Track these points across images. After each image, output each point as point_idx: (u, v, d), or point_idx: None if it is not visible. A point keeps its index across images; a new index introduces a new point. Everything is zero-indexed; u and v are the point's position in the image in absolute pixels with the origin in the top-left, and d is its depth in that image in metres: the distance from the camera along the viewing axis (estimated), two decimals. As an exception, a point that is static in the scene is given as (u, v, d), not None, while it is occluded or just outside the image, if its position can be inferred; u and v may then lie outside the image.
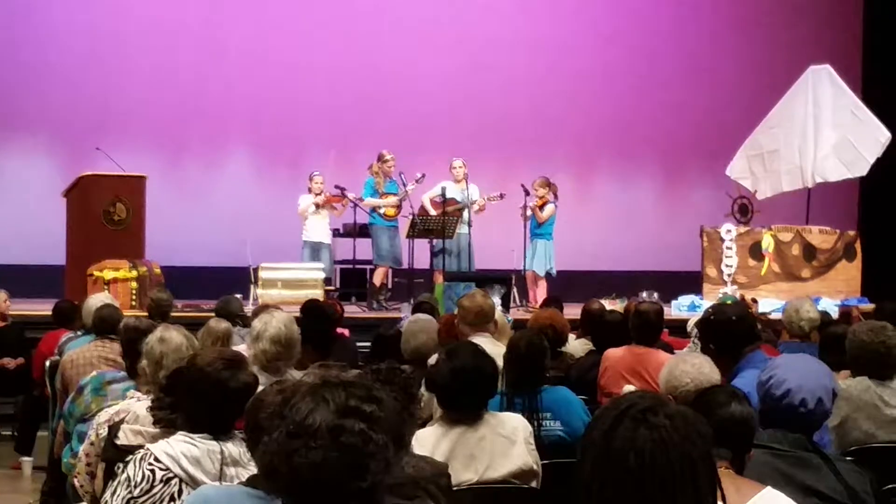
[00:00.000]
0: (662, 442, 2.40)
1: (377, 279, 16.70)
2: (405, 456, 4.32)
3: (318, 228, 16.66)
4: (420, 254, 16.53)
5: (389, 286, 16.93)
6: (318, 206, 16.52)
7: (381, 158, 16.53)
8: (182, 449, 4.35)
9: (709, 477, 2.45)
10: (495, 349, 6.48)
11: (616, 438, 2.42)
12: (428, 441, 5.21)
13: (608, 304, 11.72)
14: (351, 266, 17.47)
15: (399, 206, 16.48)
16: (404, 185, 16.38)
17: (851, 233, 18.08)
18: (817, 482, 4.23)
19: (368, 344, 9.87)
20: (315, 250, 16.54)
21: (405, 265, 16.62)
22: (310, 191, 16.65)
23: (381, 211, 16.42)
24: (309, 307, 8.29)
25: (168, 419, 4.95)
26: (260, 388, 4.45)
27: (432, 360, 5.64)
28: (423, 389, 5.54)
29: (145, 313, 10.26)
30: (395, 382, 4.40)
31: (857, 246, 17.82)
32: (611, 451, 2.41)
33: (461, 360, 5.49)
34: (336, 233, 17.21)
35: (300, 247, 16.69)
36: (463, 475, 5.25)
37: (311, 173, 16.76)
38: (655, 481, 2.38)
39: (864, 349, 6.40)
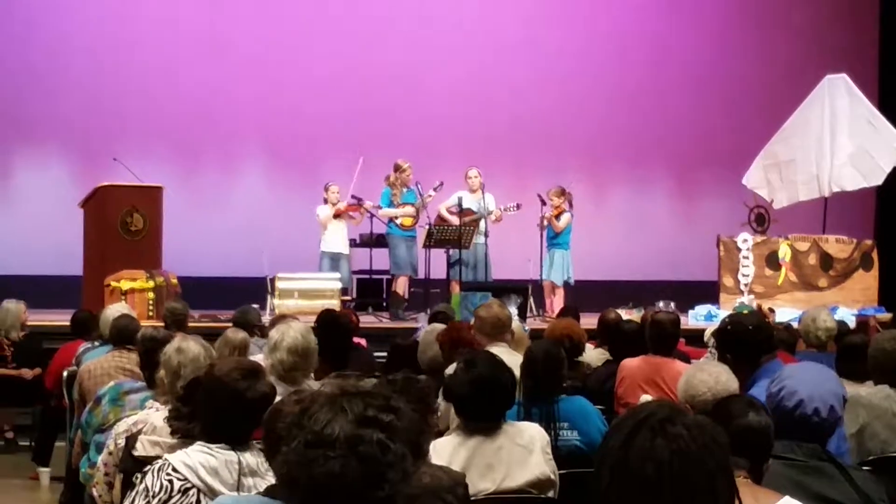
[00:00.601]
0: (680, 452, 2.39)
1: (399, 288, 16.70)
2: (422, 466, 4.33)
3: (337, 239, 16.65)
4: (436, 264, 16.52)
5: (406, 296, 16.90)
6: (337, 215, 16.51)
7: (397, 168, 16.53)
8: (200, 459, 4.35)
9: (727, 487, 2.45)
10: (512, 359, 6.48)
11: (634, 448, 2.42)
12: (445, 450, 5.22)
13: (625, 314, 11.71)
14: (368, 276, 17.49)
15: (416, 216, 16.48)
16: (421, 195, 16.39)
17: (868, 242, 18.03)
18: (833, 491, 4.22)
19: (385, 354, 9.87)
20: (334, 261, 16.54)
21: (421, 275, 16.61)
22: (326, 201, 16.64)
23: (398, 221, 16.42)
24: (324, 318, 8.31)
25: (185, 429, 4.96)
26: (277, 398, 4.46)
27: (449, 370, 5.64)
28: (440, 399, 5.55)
29: (162, 324, 10.28)
30: (411, 392, 4.41)
31: (874, 255, 17.77)
32: (629, 461, 2.41)
33: (480, 369, 5.49)
34: (353, 243, 17.19)
35: (318, 257, 16.70)
36: (480, 485, 5.25)
37: (326, 184, 16.76)
38: (674, 492, 2.38)
39: (887, 357, 6.39)
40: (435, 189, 16.44)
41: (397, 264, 16.54)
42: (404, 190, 16.52)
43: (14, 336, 12.60)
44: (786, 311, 15.51)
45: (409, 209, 16.43)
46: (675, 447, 2.40)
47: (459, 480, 4.45)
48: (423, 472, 4.27)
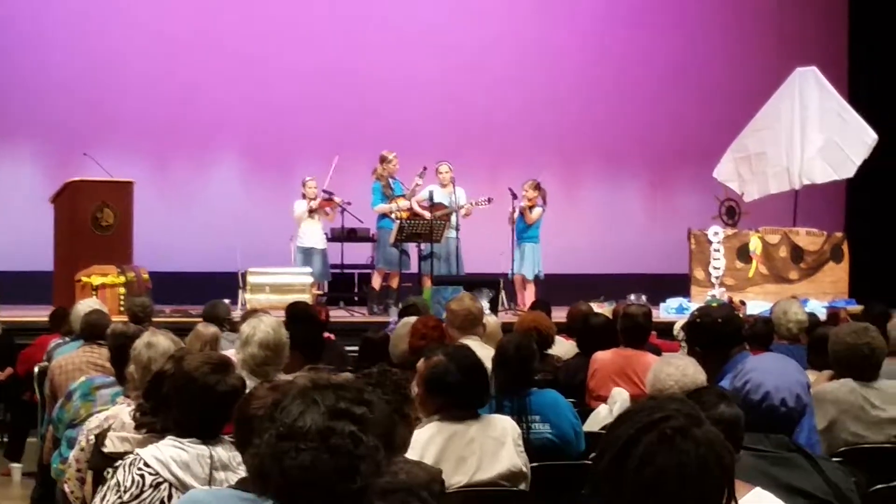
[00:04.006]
0: (683, 467, 2.38)
1: (375, 284, 16.67)
2: (399, 460, 4.33)
3: (312, 234, 16.58)
4: (409, 258, 16.52)
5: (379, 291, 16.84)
6: (311, 210, 16.46)
7: (383, 160, 16.43)
8: (171, 453, 4.34)
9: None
10: (484, 352, 6.48)
11: (640, 445, 2.41)
12: (418, 443, 5.21)
13: (596, 307, 11.73)
14: (339, 271, 17.46)
15: (410, 207, 16.40)
16: (407, 187, 16.38)
17: (839, 234, 18.11)
18: (802, 481, 4.23)
19: (356, 348, 9.85)
20: (307, 255, 16.48)
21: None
22: (304, 196, 16.59)
23: (393, 215, 16.31)
24: (292, 311, 8.30)
25: (149, 424, 4.96)
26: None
27: (420, 363, 5.63)
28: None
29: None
30: (386, 385, 4.42)
31: (845, 247, 17.85)
32: (630, 457, 2.40)
33: (469, 358, 5.55)
34: (325, 238, 17.14)
35: (292, 252, 16.66)
36: (453, 477, 5.25)
37: (304, 179, 16.70)
38: (664, 499, 2.38)
39: (849, 351, 6.40)
40: (420, 176, 16.39)
41: (388, 261, 16.48)
42: (391, 181, 16.46)
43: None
44: (757, 304, 15.56)
45: (404, 202, 16.35)
46: (678, 462, 2.39)
47: (436, 476, 4.46)
48: (399, 469, 4.27)
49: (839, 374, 6.50)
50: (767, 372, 4.45)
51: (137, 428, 5.04)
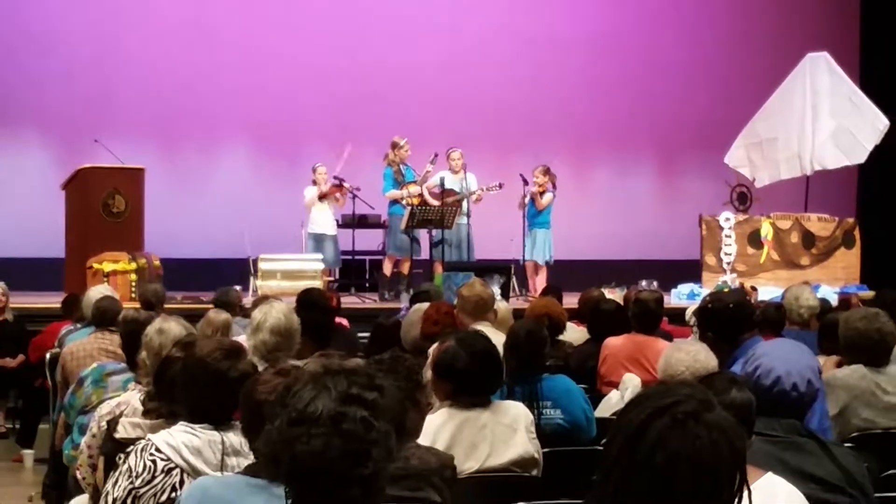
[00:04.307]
0: (695, 452, 2.37)
1: (386, 270, 16.67)
2: (411, 446, 4.33)
3: (322, 220, 16.59)
4: (420, 244, 16.52)
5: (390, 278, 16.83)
6: (322, 196, 16.46)
7: (395, 146, 16.44)
8: (183, 439, 4.34)
9: (731, 491, 2.44)
10: (496, 338, 6.48)
11: (652, 430, 2.40)
12: (429, 429, 5.21)
13: (608, 293, 11.71)
14: (351, 257, 17.47)
15: (421, 193, 16.38)
16: (418, 174, 16.38)
17: (850, 220, 18.10)
18: (814, 467, 4.23)
19: (366, 334, 9.84)
20: (318, 241, 16.49)
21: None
22: (314, 183, 16.59)
23: (404, 202, 16.29)
24: (303, 298, 8.30)
25: (157, 409, 4.97)
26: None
27: (432, 349, 5.64)
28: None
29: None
30: (399, 371, 4.42)
31: (856, 233, 17.84)
32: (642, 442, 2.39)
33: (479, 343, 5.55)
34: (336, 224, 17.13)
35: (303, 238, 16.67)
36: (465, 463, 5.25)
37: (314, 165, 16.70)
38: (676, 484, 2.37)
39: (860, 336, 6.39)
40: (431, 162, 16.36)
41: (399, 247, 16.47)
42: (403, 168, 16.45)
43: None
44: (768, 290, 15.54)
45: (415, 188, 16.34)
46: (690, 447, 2.38)
47: (447, 462, 4.46)
48: (411, 454, 4.27)
49: (849, 360, 6.49)
50: (778, 357, 4.45)
51: (145, 413, 5.05)
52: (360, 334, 10.11)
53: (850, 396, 6.25)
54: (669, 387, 2.54)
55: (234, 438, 4.36)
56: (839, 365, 6.58)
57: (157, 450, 4.32)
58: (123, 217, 14.94)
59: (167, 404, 4.88)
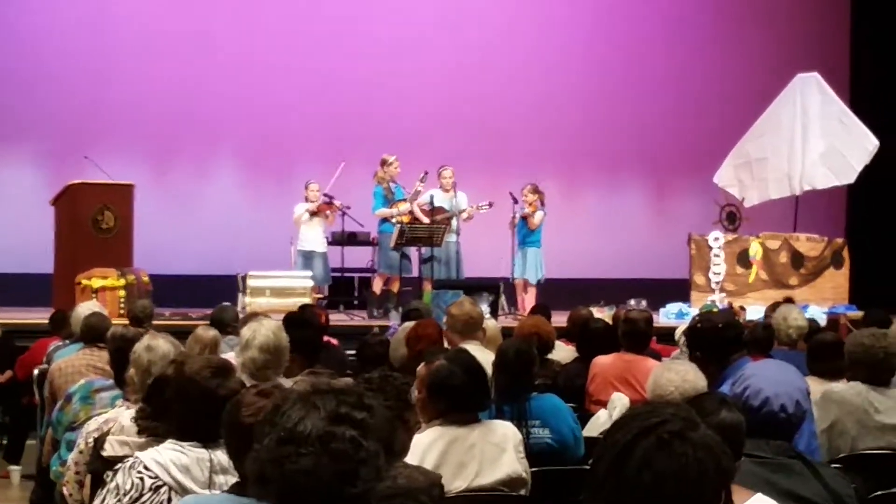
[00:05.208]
0: (681, 471, 2.37)
1: (376, 288, 16.65)
2: (399, 465, 4.33)
3: (312, 237, 16.58)
4: (410, 261, 16.51)
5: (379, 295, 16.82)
6: (312, 213, 16.46)
7: (384, 163, 16.42)
8: (171, 457, 4.34)
9: None
10: (484, 357, 6.48)
11: (638, 449, 2.40)
12: (418, 448, 5.21)
13: (596, 312, 11.72)
14: (339, 275, 17.46)
15: (412, 211, 16.38)
16: (408, 192, 16.37)
17: (839, 240, 18.11)
18: (802, 488, 4.23)
19: (354, 352, 9.82)
20: (307, 258, 16.48)
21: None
22: (306, 199, 16.59)
23: (394, 220, 16.29)
24: (290, 317, 8.29)
25: (151, 428, 4.96)
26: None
27: (421, 368, 5.63)
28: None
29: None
30: (388, 390, 4.42)
31: (845, 253, 17.86)
32: (628, 462, 2.40)
33: (469, 360, 5.58)
34: (325, 241, 17.11)
35: (293, 255, 16.66)
36: (453, 483, 5.25)
37: (307, 182, 16.70)
38: (663, 503, 2.37)
39: (865, 353, 6.42)
40: (421, 180, 16.35)
41: (389, 265, 16.46)
42: (392, 185, 16.45)
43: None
44: (757, 309, 15.54)
45: (405, 206, 16.32)
46: (676, 466, 2.38)
47: (435, 481, 4.45)
48: (398, 473, 4.27)
49: (852, 377, 6.53)
50: (767, 378, 4.46)
51: (140, 432, 5.03)
52: (348, 352, 10.09)
53: (842, 412, 6.28)
54: (655, 407, 2.54)
55: (223, 456, 4.35)
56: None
57: (146, 467, 4.31)
58: (113, 233, 14.92)
59: (163, 423, 4.86)
